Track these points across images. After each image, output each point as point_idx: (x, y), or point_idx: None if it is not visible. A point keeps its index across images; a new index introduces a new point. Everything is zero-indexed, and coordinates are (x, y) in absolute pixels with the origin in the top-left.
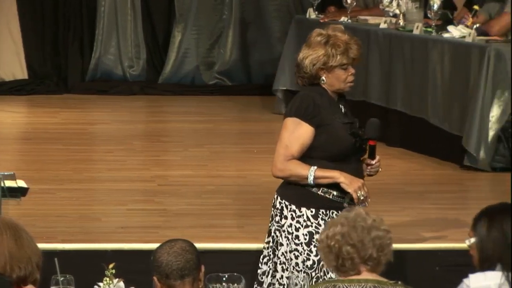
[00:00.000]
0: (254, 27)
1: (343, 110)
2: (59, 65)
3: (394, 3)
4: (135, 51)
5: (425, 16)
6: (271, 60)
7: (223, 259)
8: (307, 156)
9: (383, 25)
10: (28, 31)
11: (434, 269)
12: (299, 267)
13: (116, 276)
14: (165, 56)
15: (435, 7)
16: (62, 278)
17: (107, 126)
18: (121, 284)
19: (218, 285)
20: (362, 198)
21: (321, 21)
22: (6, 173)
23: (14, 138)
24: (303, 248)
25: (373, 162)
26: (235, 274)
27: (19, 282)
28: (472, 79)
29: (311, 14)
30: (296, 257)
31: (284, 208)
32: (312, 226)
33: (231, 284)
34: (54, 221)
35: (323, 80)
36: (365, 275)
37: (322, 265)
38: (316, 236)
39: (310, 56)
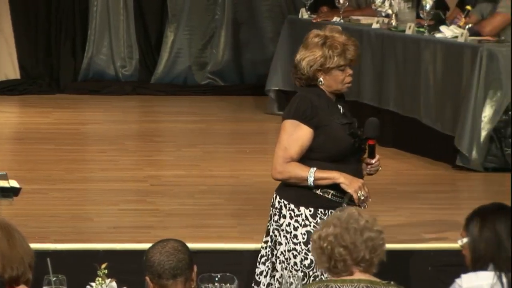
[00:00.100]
0: (246, 27)
1: (341, 111)
2: (52, 65)
3: (387, 3)
4: (128, 51)
5: (418, 16)
6: (263, 60)
7: (216, 259)
8: (306, 157)
9: (375, 25)
10: (21, 31)
11: (426, 269)
12: (297, 266)
13: (108, 276)
14: (157, 56)
15: (428, 7)
16: (54, 278)
17: (100, 126)
18: (114, 284)
19: (210, 285)
20: (362, 198)
21: (314, 21)
22: None
23: (7, 138)
24: (301, 248)
25: (373, 161)
26: (228, 274)
27: (11, 282)
28: (464, 79)
29: (304, 14)
30: (294, 257)
31: (283, 207)
32: (310, 226)
33: (223, 284)
34: (46, 221)
35: (321, 81)
36: (358, 275)
37: None
38: None
39: (307, 57)
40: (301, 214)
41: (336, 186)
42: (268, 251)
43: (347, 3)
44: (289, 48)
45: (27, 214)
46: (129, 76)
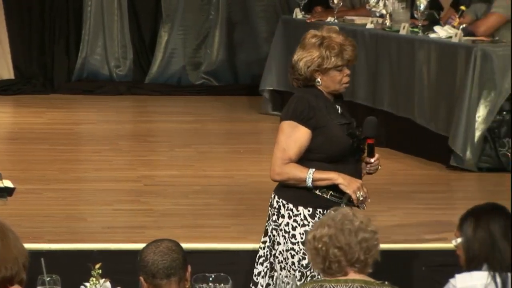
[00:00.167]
0: (240, 27)
1: (339, 111)
2: (46, 65)
3: (381, 3)
4: (122, 51)
5: (412, 17)
6: (257, 60)
7: (210, 259)
8: (305, 158)
9: (369, 25)
10: (15, 32)
11: (420, 269)
12: (295, 266)
13: (102, 276)
14: (151, 56)
15: (422, 7)
16: (48, 278)
17: (94, 126)
18: (108, 284)
19: (204, 285)
20: (361, 198)
21: (308, 21)
22: None
23: (0, 138)
24: (299, 248)
25: (372, 160)
26: (222, 274)
27: (5, 282)
28: (458, 80)
29: (298, 14)
30: (292, 256)
31: (282, 207)
32: (309, 226)
33: (217, 284)
34: (40, 221)
35: (318, 82)
36: (352, 275)
37: None
38: None
39: (304, 58)
40: (300, 214)
41: (335, 187)
42: (267, 251)
43: (341, 3)
44: (283, 48)
45: (21, 214)
46: (123, 76)
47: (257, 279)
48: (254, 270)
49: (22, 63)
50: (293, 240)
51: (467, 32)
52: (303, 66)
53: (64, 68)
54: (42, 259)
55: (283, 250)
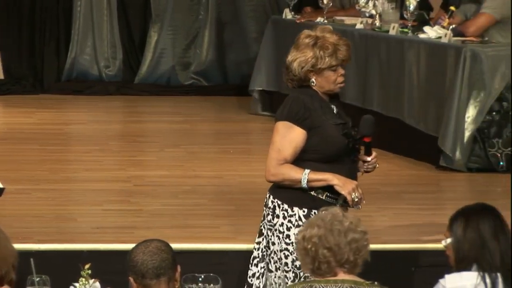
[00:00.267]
0: (230, 27)
1: (335, 111)
2: (35, 65)
3: (370, 4)
4: (111, 51)
5: (401, 17)
6: (247, 60)
7: (199, 259)
8: (300, 159)
9: (359, 26)
10: (4, 32)
11: (410, 269)
12: (288, 267)
13: (92, 276)
14: (141, 56)
15: (411, 7)
16: (38, 279)
17: (83, 126)
18: (97, 284)
19: (194, 285)
20: (356, 200)
21: (297, 21)
22: None
23: None
24: (293, 248)
25: (369, 158)
26: (212, 274)
27: None
28: (448, 80)
29: (287, 14)
30: (286, 257)
31: (276, 207)
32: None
33: (207, 285)
34: (30, 221)
35: (313, 82)
36: (342, 276)
37: None
38: None
39: (298, 58)
40: (295, 214)
41: (330, 188)
42: (260, 252)
43: (331, 4)
44: (272, 48)
45: (11, 214)
46: (113, 76)
47: (251, 280)
48: (248, 271)
49: (11, 63)
50: (287, 240)
51: (456, 33)
52: (297, 67)
53: (53, 68)
54: (31, 259)
55: (277, 250)
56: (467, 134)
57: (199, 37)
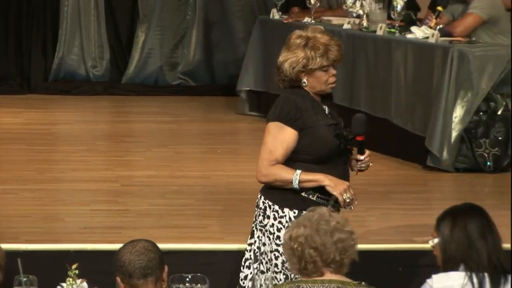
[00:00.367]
0: (217, 27)
1: (326, 111)
2: (22, 65)
3: (358, 4)
4: (99, 51)
5: (389, 17)
6: (234, 61)
7: (187, 259)
8: (291, 159)
9: (346, 26)
10: None
11: (397, 269)
12: (278, 268)
13: (79, 276)
14: (128, 56)
15: (399, 8)
16: (25, 279)
17: (71, 126)
18: (84, 284)
19: (181, 285)
20: (348, 200)
21: (285, 21)
22: None
23: None
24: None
25: (362, 157)
26: (199, 274)
27: None
28: (435, 80)
29: (275, 14)
30: (276, 258)
31: (267, 208)
32: None
33: (194, 285)
34: (17, 221)
35: (304, 83)
36: (329, 276)
37: None
38: None
39: (289, 59)
40: (285, 215)
41: (321, 188)
42: (252, 254)
43: (318, 4)
44: (260, 48)
45: None
46: (100, 76)
47: (243, 283)
48: (240, 274)
49: None
50: (277, 241)
51: (444, 33)
52: (288, 67)
53: (41, 68)
54: (18, 259)
55: (268, 251)
56: (454, 134)
57: (186, 37)
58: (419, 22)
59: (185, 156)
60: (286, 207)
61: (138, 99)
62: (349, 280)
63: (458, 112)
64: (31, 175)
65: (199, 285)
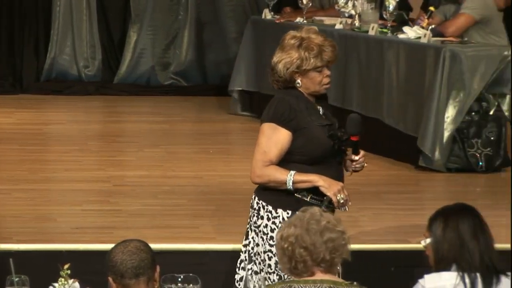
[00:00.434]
0: (209, 27)
1: (321, 112)
2: (14, 65)
3: (350, 4)
4: (91, 51)
5: (381, 17)
6: (226, 61)
7: (179, 259)
8: (286, 160)
9: (338, 26)
10: None
11: (389, 269)
12: (271, 269)
13: (71, 276)
14: (120, 56)
15: (391, 8)
16: (17, 279)
17: (63, 126)
18: (76, 284)
19: (173, 285)
20: (342, 201)
21: (277, 21)
22: None
23: None
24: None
25: (357, 157)
26: (191, 274)
27: None
28: (427, 80)
29: (267, 14)
30: (269, 258)
31: (261, 209)
32: None
33: (186, 285)
34: (9, 221)
35: (299, 83)
36: (320, 276)
37: None
38: None
39: (283, 60)
40: (279, 216)
41: (315, 189)
42: (247, 255)
43: (311, 4)
44: (252, 48)
45: None
46: (92, 76)
47: (239, 284)
48: (236, 276)
49: None
50: (271, 242)
51: (436, 33)
52: (282, 68)
53: (33, 68)
54: (10, 259)
55: (261, 252)
56: (446, 134)
57: (178, 37)
58: (411, 22)
59: (177, 156)
60: (280, 208)
61: (130, 99)
62: (341, 280)
63: (450, 112)
64: (23, 175)
65: (191, 285)
